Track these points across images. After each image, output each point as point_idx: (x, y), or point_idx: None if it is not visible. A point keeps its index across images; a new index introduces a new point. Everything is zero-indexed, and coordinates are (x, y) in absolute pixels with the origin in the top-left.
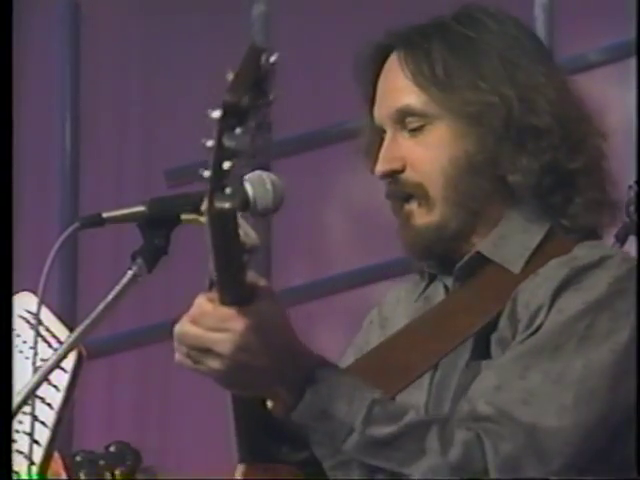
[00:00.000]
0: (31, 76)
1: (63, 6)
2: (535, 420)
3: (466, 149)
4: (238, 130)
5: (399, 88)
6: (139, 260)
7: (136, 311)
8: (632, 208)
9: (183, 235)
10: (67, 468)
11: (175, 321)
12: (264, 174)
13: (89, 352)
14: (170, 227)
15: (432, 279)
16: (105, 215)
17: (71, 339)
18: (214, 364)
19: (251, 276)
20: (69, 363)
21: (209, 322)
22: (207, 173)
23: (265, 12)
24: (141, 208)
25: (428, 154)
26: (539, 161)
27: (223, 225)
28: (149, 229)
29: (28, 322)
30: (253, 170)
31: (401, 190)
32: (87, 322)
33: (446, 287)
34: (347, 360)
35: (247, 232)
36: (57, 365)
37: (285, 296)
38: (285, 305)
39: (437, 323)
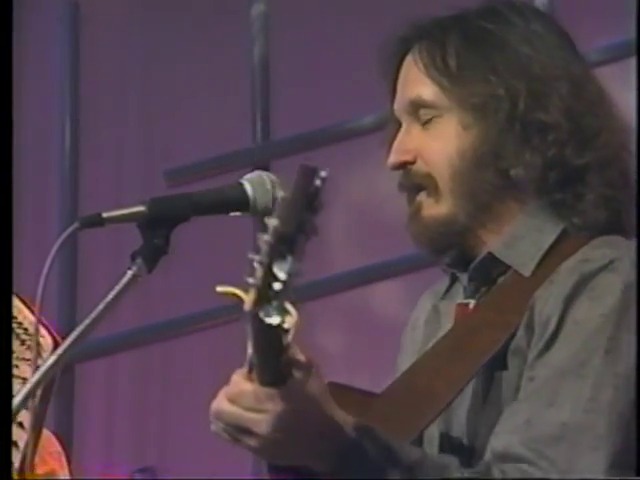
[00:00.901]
0: (31, 76)
1: (63, 6)
2: (570, 457)
3: (472, 141)
4: (289, 258)
5: (412, 80)
6: (139, 260)
7: (136, 311)
8: None
9: (183, 235)
10: (70, 464)
11: (176, 320)
12: (264, 174)
13: (89, 352)
14: (170, 227)
15: (455, 279)
16: (105, 215)
17: (71, 339)
18: (252, 442)
19: (291, 352)
20: (42, 356)
21: (247, 402)
22: (252, 281)
23: (265, 12)
24: (141, 208)
25: (437, 146)
26: (543, 156)
27: (267, 335)
28: (149, 229)
29: None
30: (253, 170)
31: (411, 181)
32: (87, 322)
33: (464, 288)
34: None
35: (289, 311)
36: (57, 365)
37: None
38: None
39: (460, 343)
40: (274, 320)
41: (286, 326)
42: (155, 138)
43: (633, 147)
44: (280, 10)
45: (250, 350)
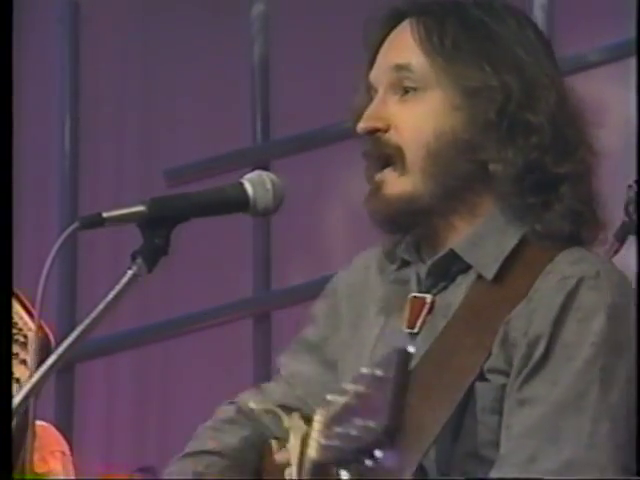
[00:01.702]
0: (31, 76)
1: (62, 6)
2: None
3: (453, 125)
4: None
5: (404, 47)
6: (139, 260)
7: (136, 311)
8: (631, 208)
9: (183, 235)
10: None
11: (176, 320)
12: (264, 174)
13: (89, 352)
14: (170, 227)
15: (404, 264)
16: (105, 215)
17: (71, 339)
18: None
19: None
20: (30, 352)
21: None
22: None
23: (264, 12)
24: (141, 208)
25: (414, 121)
26: (525, 157)
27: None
28: (149, 229)
29: None
30: (253, 170)
31: (379, 150)
32: (87, 322)
33: (419, 277)
34: (307, 325)
35: None
36: (57, 365)
37: (285, 295)
38: (285, 304)
39: (440, 370)
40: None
41: None
42: (155, 138)
43: (598, 170)
44: (280, 10)
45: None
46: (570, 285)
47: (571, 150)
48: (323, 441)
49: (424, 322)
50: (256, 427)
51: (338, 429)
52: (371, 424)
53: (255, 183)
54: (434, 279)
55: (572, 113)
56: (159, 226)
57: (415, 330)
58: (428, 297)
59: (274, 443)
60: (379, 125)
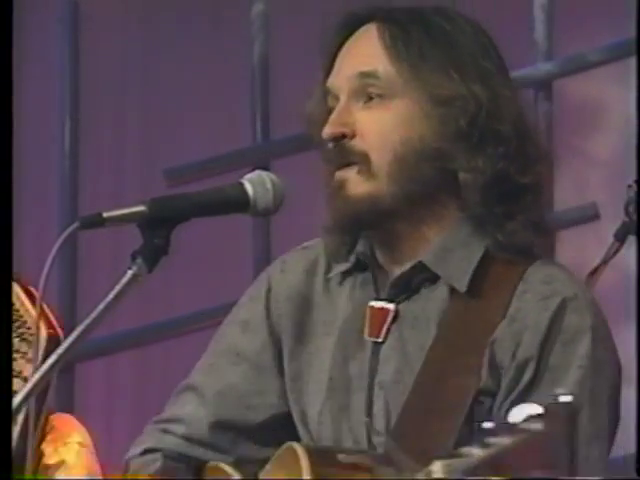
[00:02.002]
0: (31, 76)
1: (62, 6)
2: None
3: (422, 133)
4: None
5: (369, 54)
6: (139, 260)
7: (136, 311)
8: (631, 208)
9: (183, 235)
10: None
11: (176, 320)
12: (264, 174)
13: (89, 352)
14: (170, 227)
15: (364, 267)
16: (105, 215)
17: (71, 339)
18: None
19: None
20: (36, 350)
21: None
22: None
23: (265, 12)
24: (141, 208)
25: (381, 127)
26: (493, 167)
27: None
28: (149, 229)
29: None
30: (253, 170)
31: (344, 156)
32: (87, 322)
33: (376, 284)
34: (231, 334)
35: None
36: (57, 365)
37: None
38: None
39: (433, 395)
40: None
41: None
42: (155, 138)
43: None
44: (280, 10)
45: None
46: (553, 306)
47: (533, 162)
48: None
49: (389, 331)
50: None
51: None
52: None
53: (255, 183)
54: (398, 288)
55: (531, 126)
56: (159, 226)
57: (380, 339)
58: (391, 307)
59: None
60: (345, 131)
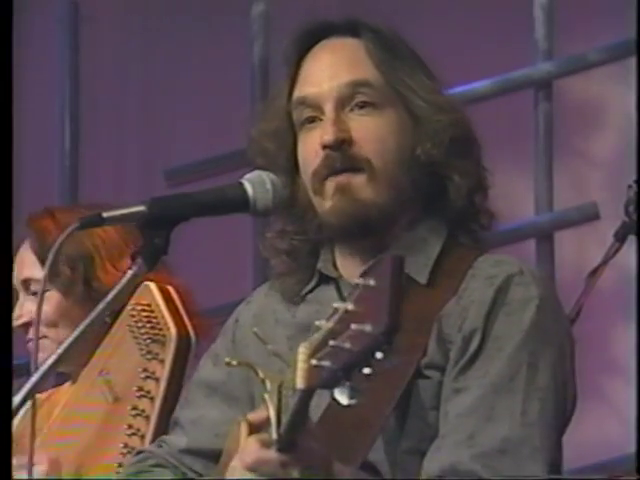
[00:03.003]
0: (30, 76)
1: (62, 6)
2: (514, 469)
3: (415, 140)
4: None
5: (355, 63)
6: (139, 260)
7: None
8: (631, 208)
9: (183, 235)
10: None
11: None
12: (264, 174)
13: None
14: (170, 227)
15: (322, 281)
16: (105, 215)
17: (71, 338)
18: None
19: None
20: (167, 352)
21: (269, 470)
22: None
23: (265, 12)
24: (141, 208)
25: (378, 135)
26: (477, 171)
27: (306, 406)
28: (149, 229)
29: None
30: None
31: (347, 162)
32: (87, 322)
33: (339, 291)
34: (205, 367)
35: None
36: (57, 365)
37: None
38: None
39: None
40: (350, 401)
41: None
42: (155, 138)
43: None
44: (280, 10)
45: (274, 419)
46: (498, 282)
47: (483, 162)
48: (314, 362)
49: None
50: (178, 469)
51: (327, 349)
52: (367, 328)
53: (255, 183)
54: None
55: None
56: (159, 226)
57: None
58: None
59: (243, 423)
60: (345, 136)
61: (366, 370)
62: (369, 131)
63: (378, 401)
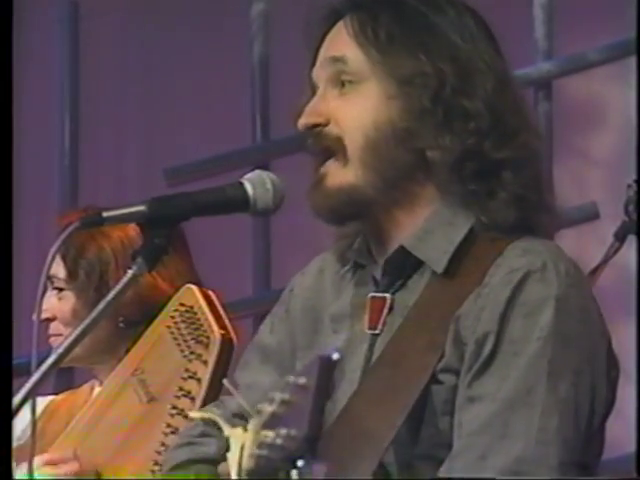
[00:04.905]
0: (30, 75)
1: (62, 5)
2: None
3: (390, 115)
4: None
5: (339, 41)
6: (139, 260)
7: None
8: (631, 207)
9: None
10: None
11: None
12: (264, 173)
13: None
14: (170, 226)
15: (358, 266)
16: (105, 215)
17: (71, 338)
18: None
19: None
20: (211, 353)
21: None
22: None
23: (265, 11)
24: (141, 208)
25: (353, 112)
26: (462, 143)
27: None
28: (149, 229)
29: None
30: (253, 170)
31: (320, 144)
32: (87, 322)
33: (375, 279)
34: (262, 332)
35: None
36: (57, 364)
37: None
38: None
39: (391, 372)
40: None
41: None
42: (155, 138)
43: (543, 155)
44: (280, 10)
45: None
46: (516, 279)
47: (511, 135)
48: (255, 450)
49: (385, 322)
50: (221, 439)
51: (266, 438)
52: (293, 433)
53: (255, 183)
54: (390, 278)
55: (512, 99)
56: (159, 226)
57: (377, 331)
58: (387, 296)
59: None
60: (319, 120)
61: (293, 473)
62: (345, 110)
63: (390, 410)
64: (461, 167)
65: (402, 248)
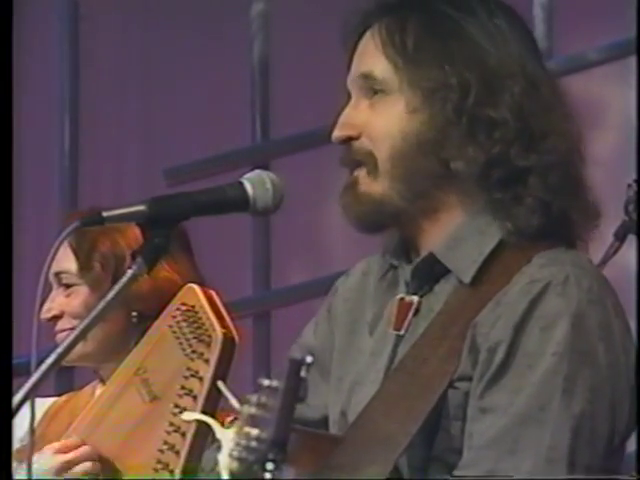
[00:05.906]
0: (30, 75)
1: (62, 5)
2: None
3: (417, 126)
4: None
5: (368, 54)
6: (139, 259)
7: None
8: (631, 207)
9: None
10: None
11: None
12: (264, 173)
13: None
14: (170, 226)
15: (391, 267)
16: (105, 215)
17: (71, 338)
18: None
19: None
20: (213, 351)
21: None
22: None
23: (265, 11)
24: (141, 207)
25: (381, 124)
26: (487, 153)
27: None
28: (149, 228)
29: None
30: (253, 169)
31: (352, 158)
32: (87, 322)
33: (407, 283)
34: (307, 332)
35: None
36: (56, 365)
37: (285, 295)
38: (284, 304)
39: (410, 378)
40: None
41: None
42: (155, 138)
43: (583, 151)
44: (280, 10)
45: None
46: (536, 290)
47: (538, 140)
48: (234, 452)
49: (410, 324)
50: None
51: (242, 441)
52: (263, 435)
53: (255, 182)
54: (418, 281)
55: (543, 101)
56: (159, 225)
57: (402, 332)
58: (415, 298)
59: None
60: (351, 133)
61: (266, 475)
62: (375, 122)
63: (406, 416)
64: (486, 176)
65: (431, 255)
